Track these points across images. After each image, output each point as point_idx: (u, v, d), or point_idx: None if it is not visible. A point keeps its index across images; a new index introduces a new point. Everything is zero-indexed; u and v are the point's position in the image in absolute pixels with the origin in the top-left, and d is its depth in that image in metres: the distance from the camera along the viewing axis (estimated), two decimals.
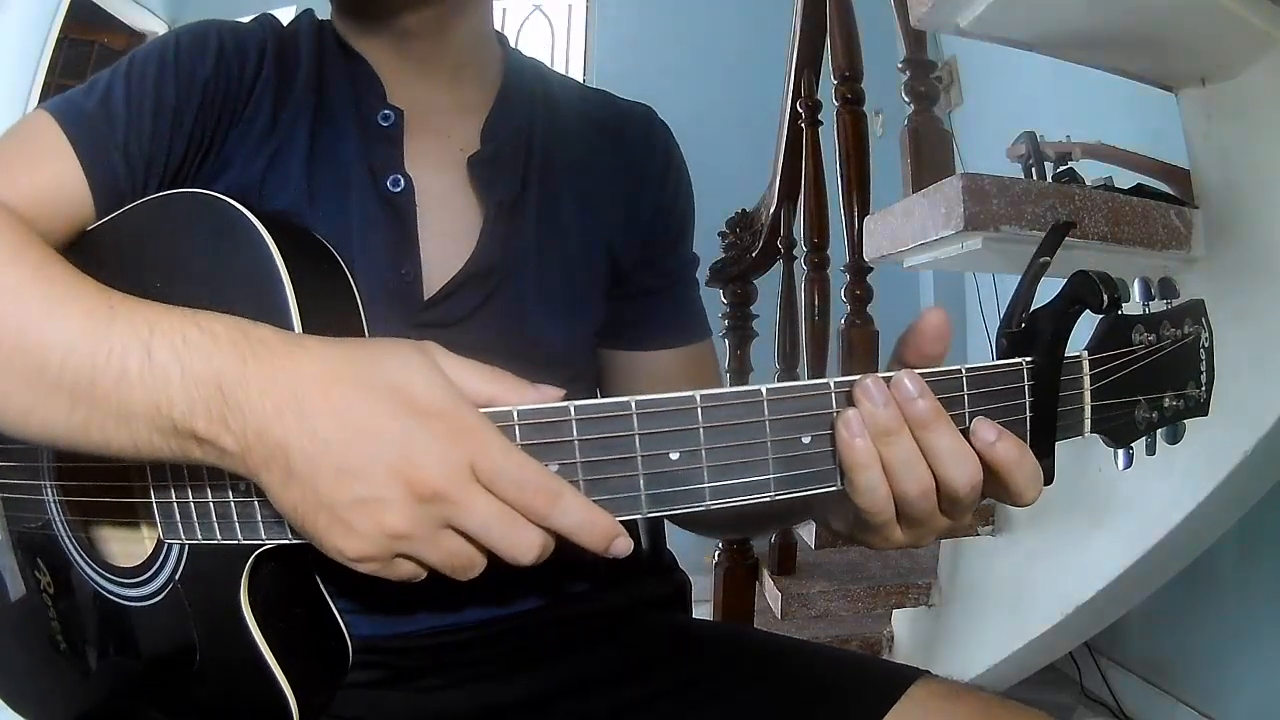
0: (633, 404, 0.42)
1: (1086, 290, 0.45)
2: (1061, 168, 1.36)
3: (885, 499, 0.44)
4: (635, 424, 0.43)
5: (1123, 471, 0.50)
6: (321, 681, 0.56)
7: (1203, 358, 0.51)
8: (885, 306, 1.56)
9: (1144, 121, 1.39)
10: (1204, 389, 0.51)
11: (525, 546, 0.42)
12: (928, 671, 0.62)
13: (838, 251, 1.65)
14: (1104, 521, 1.31)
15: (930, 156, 1.40)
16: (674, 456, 0.43)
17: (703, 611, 0.85)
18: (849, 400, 0.44)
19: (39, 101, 2.95)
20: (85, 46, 3.25)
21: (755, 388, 0.43)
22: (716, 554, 1.81)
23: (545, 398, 0.44)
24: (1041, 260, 0.47)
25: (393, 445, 0.41)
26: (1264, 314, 1.06)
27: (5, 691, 0.67)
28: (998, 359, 0.47)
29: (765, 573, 1.75)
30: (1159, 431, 0.50)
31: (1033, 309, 0.47)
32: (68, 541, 0.61)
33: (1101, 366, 0.48)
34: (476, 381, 0.44)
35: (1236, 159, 1.10)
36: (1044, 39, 1.13)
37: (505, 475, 0.41)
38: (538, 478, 0.41)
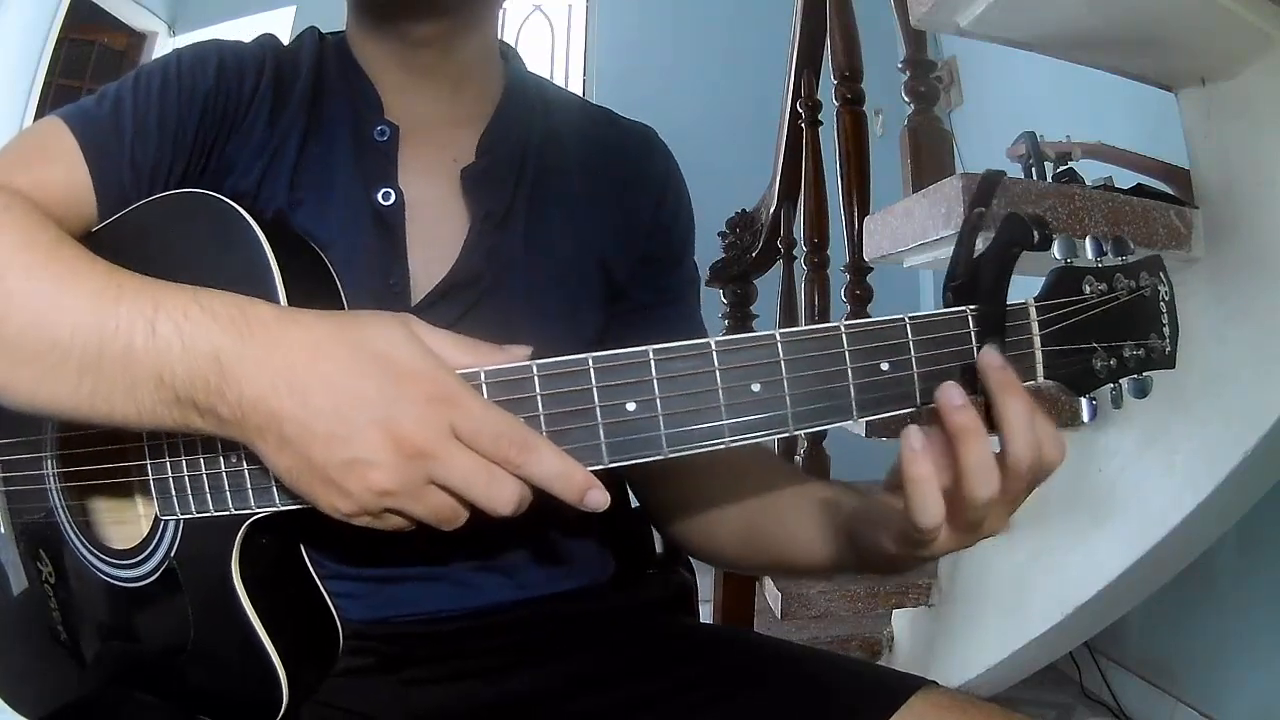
0: (590, 360, 0.46)
1: (1018, 229, 0.46)
2: (1061, 168, 1.36)
3: (937, 510, 0.46)
4: (593, 378, 0.46)
5: (1088, 421, 0.50)
6: (312, 658, 0.57)
7: (1164, 310, 0.51)
8: (885, 306, 1.55)
9: (1144, 121, 1.39)
10: (1168, 340, 0.51)
11: (505, 499, 0.45)
12: (933, 682, 0.62)
13: (838, 251, 1.65)
14: (1104, 521, 1.31)
15: (930, 156, 1.40)
16: (631, 407, 0.46)
17: (703, 612, 0.85)
18: (794, 352, 0.46)
19: (39, 101, 2.96)
20: (85, 46, 3.25)
21: (704, 340, 0.46)
22: None
23: (514, 358, 0.47)
24: (977, 210, 0.49)
25: (378, 408, 0.44)
26: (1264, 314, 1.06)
27: (6, 690, 0.68)
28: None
29: None
30: (1124, 385, 0.51)
31: (973, 259, 0.48)
32: (68, 528, 0.62)
33: (1049, 314, 0.49)
34: (452, 350, 0.47)
35: (1236, 159, 1.10)
36: (1044, 39, 1.13)
37: (483, 430, 0.44)
38: (513, 431, 0.44)
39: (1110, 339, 0.50)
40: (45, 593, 0.64)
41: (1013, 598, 1.50)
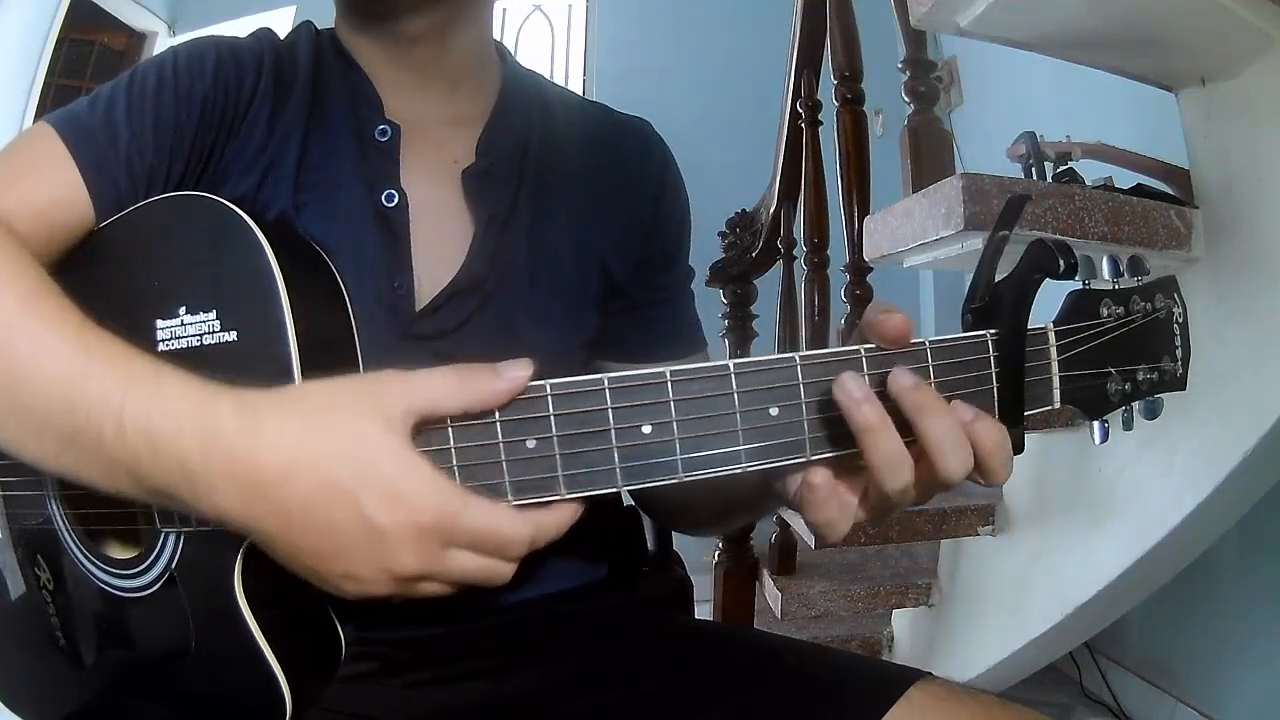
0: (605, 380, 0.45)
1: (1044, 257, 0.46)
2: (1061, 168, 1.36)
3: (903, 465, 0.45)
4: (608, 399, 0.45)
5: (1099, 444, 0.50)
6: (314, 669, 0.57)
7: (1177, 332, 0.51)
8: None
9: (1144, 121, 1.39)
10: (1180, 363, 0.51)
11: (502, 579, 0.46)
12: (929, 673, 0.62)
13: (838, 251, 1.65)
14: (1104, 521, 1.31)
15: (930, 156, 1.40)
16: (646, 430, 0.45)
17: (703, 611, 0.85)
18: (814, 375, 0.46)
19: (39, 101, 2.95)
20: (85, 46, 3.25)
21: (723, 363, 0.45)
22: (716, 554, 1.81)
23: (514, 384, 0.44)
24: (1001, 234, 0.48)
25: (370, 551, 0.43)
26: (1264, 314, 1.06)
27: (5, 693, 0.68)
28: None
29: (765, 573, 1.75)
30: (1135, 406, 0.51)
31: (995, 283, 0.48)
32: (67, 536, 0.61)
33: (1068, 338, 0.48)
34: (445, 394, 0.44)
35: (1236, 159, 1.10)
36: (1044, 39, 1.13)
37: (484, 540, 0.44)
38: (515, 535, 0.44)
39: (1125, 363, 0.49)
40: (43, 599, 0.63)
41: (1013, 598, 1.50)
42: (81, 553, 0.61)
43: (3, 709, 0.67)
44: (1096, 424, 0.50)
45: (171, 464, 0.44)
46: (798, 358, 0.45)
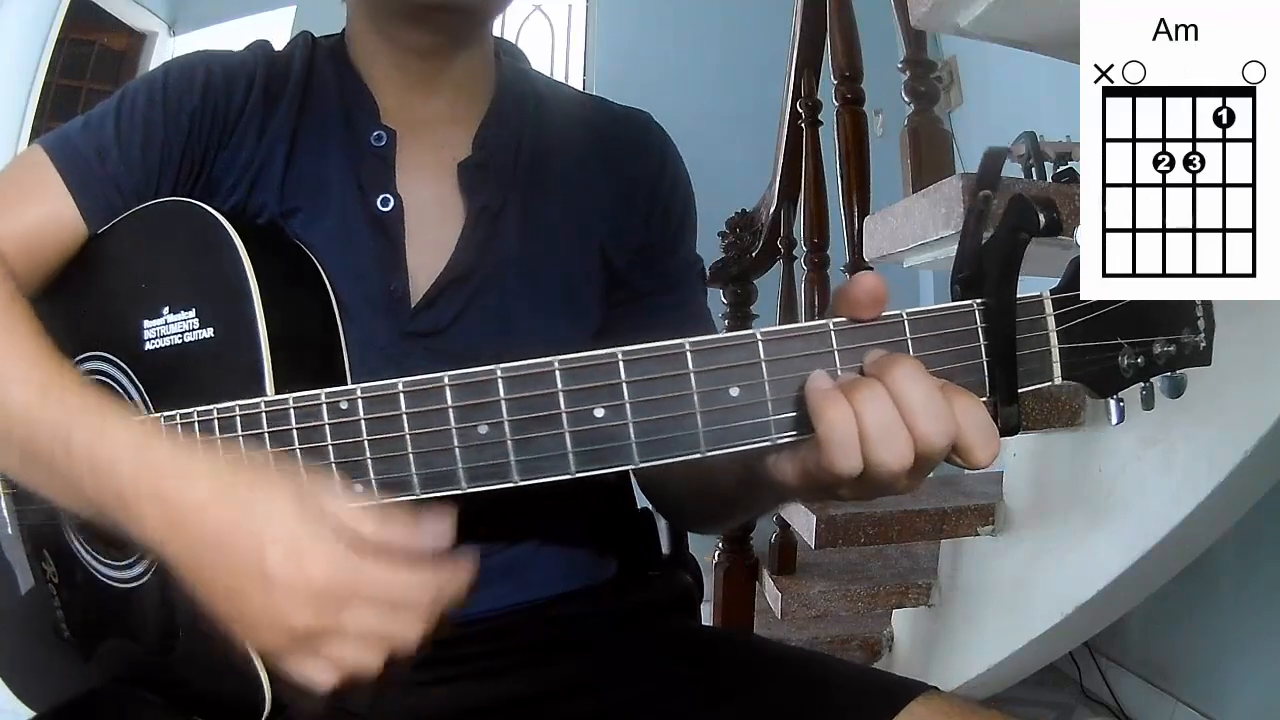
0: (555, 363, 0.43)
1: (1023, 213, 0.42)
2: (1061, 168, 1.36)
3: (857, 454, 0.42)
4: (559, 382, 0.43)
5: (1115, 424, 0.46)
6: None
7: (1199, 302, 0.46)
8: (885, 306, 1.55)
9: None
10: (1203, 335, 0.46)
11: (407, 644, 0.44)
12: (934, 687, 0.61)
13: (838, 251, 1.65)
14: (1104, 521, 1.31)
15: (930, 156, 1.40)
16: (599, 414, 0.43)
17: (703, 611, 0.85)
18: (776, 353, 0.43)
19: (39, 101, 2.96)
20: (85, 47, 3.25)
21: (678, 341, 0.43)
22: (716, 554, 1.81)
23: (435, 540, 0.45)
24: (983, 194, 0.45)
25: (257, 597, 0.44)
26: (1264, 314, 1.06)
27: (16, 684, 0.69)
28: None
29: (765, 573, 1.75)
30: (1155, 383, 0.46)
31: (980, 247, 0.44)
32: (67, 528, 0.62)
33: (1067, 307, 0.44)
34: (364, 523, 0.44)
35: None
36: (1044, 39, 1.13)
37: (381, 601, 0.44)
38: (413, 598, 0.44)
39: (1138, 334, 0.45)
40: (50, 592, 0.65)
41: (1013, 598, 1.49)
42: (80, 545, 0.61)
43: (19, 703, 0.68)
44: (1112, 402, 0.46)
45: (108, 487, 0.47)
46: (759, 334, 0.43)
